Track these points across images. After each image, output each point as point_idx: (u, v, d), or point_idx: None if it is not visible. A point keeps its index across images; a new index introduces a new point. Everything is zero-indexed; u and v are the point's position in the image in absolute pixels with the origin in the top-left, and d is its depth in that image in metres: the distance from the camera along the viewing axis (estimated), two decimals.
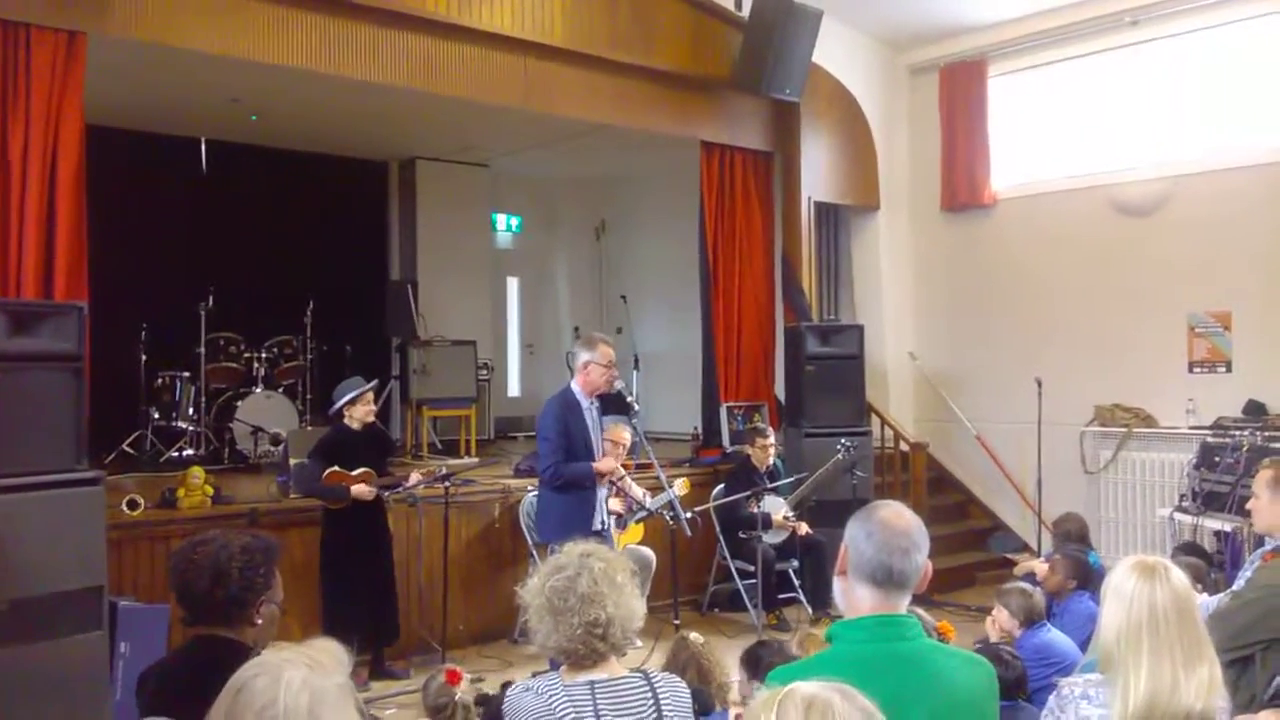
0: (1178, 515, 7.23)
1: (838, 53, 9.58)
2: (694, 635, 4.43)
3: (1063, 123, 9.43)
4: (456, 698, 4.19)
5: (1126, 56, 8.96)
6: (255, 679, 1.63)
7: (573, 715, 2.38)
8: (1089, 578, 5.36)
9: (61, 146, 5.92)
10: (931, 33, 9.88)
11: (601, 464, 5.92)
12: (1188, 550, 5.94)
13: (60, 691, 4.90)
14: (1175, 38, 8.66)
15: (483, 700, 3.67)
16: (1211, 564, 5.99)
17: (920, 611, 3.88)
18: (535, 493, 7.41)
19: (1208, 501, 6.99)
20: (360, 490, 6.24)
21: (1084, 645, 4.33)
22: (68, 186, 5.93)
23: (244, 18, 6.62)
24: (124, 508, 6.00)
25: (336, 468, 6.25)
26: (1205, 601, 3.72)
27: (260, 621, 2.77)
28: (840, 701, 1.54)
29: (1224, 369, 8.39)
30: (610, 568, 2.53)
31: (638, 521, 7.39)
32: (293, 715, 1.56)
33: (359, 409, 6.41)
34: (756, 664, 3.87)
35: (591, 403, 5.98)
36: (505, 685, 3.73)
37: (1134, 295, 8.78)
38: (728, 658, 4.33)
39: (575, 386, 5.93)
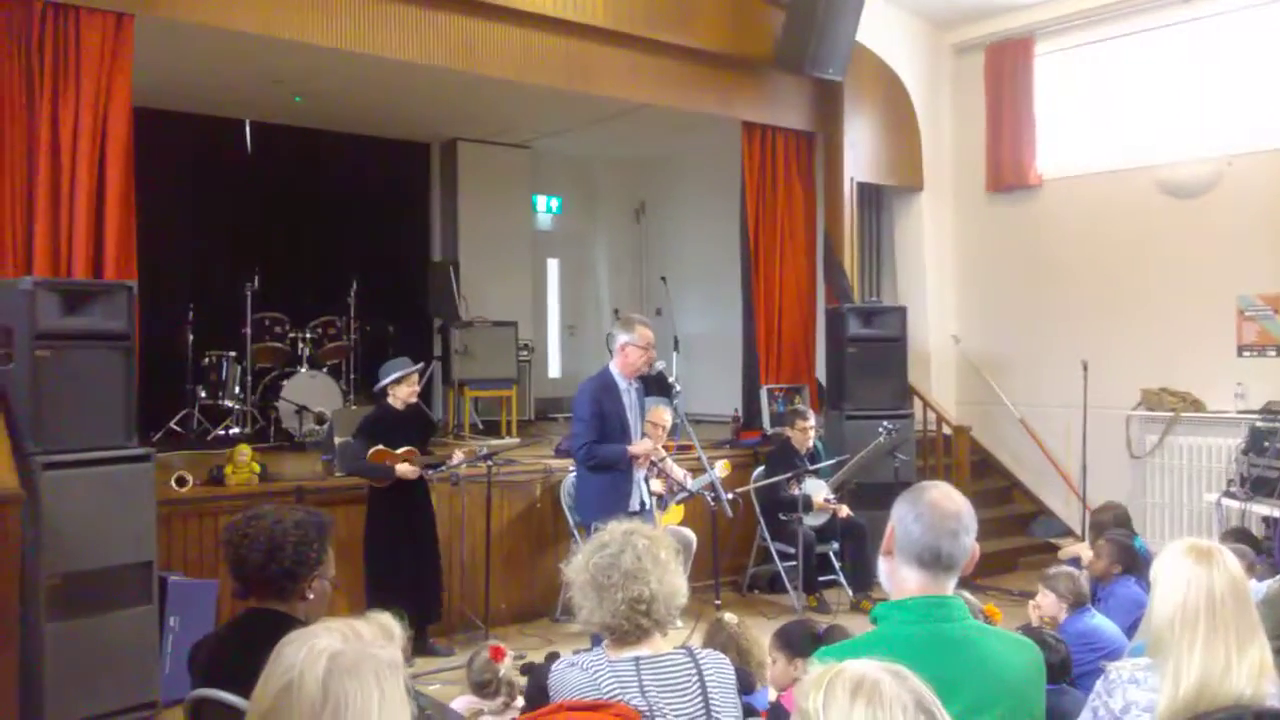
0: (1225, 501, 7.13)
1: (882, 31, 9.48)
2: (729, 616, 4.44)
3: (1110, 102, 9.27)
4: (501, 674, 4.24)
5: (1175, 34, 8.79)
6: (287, 645, 1.64)
7: (618, 690, 2.39)
8: (1135, 563, 5.30)
9: (110, 128, 6.00)
10: (977, 10, 9.75)
11: (636, 446, 5.93)
12: (1237, 536, 5.85)
13: (111, 664, 5.01)
14: (1226, 15, 8.48)
15: (528, 669, 3.71)
16: (1260, 550, 5.91)
17: (967, 594, 3.87)
18: (575, 473, 7.47)
19: (1256, 487, 6.89)
20: (404, 469, 6.29)
21: (1129, 631, 4.30)
22: (117, 168, 6.01)
23: None
24: (173, 484, 6.09)
25: (381, 446, 6.30)
26: (1256, 587, 3.68)
27: (312, 596, 2.79)
28: (890, 682, 1.52)
29: (1274, 352, 8.25)
30: (654, 545, 2.54)
31: (679, 502, 7.41)
32: (304, 683, 1.56)
33: (403, 389, 6.45)
34: (792, 641, 3.87)
35: (631, 384, 5.99)
36: (550, 656, 3.76)
37: (1182, 278, 8.65)
38: (766, 639, 4.34)
39: (614, 368, 5.97)
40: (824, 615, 7.19)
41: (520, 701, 4.17)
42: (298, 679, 1.57)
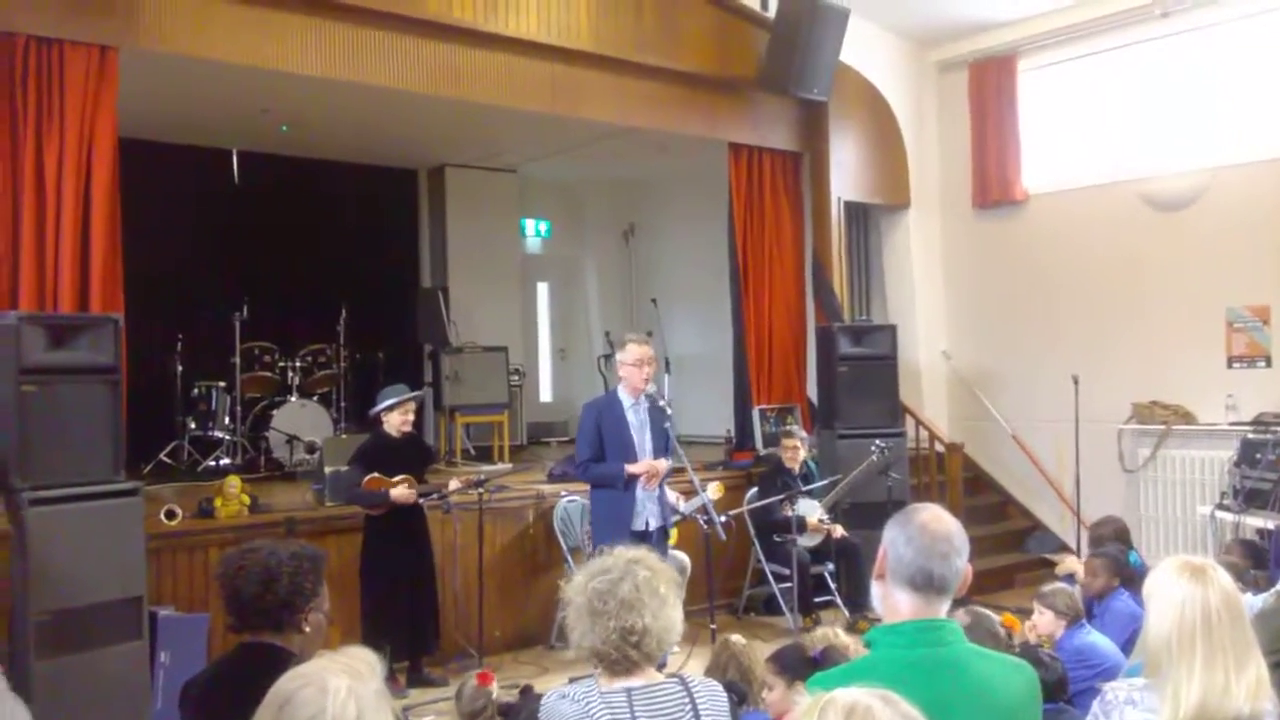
0: (1219, 513, 7.13)
1: (865, 51, 9.53)
2: (736, 637, 4.44)
3: (1094, 117, 9.32)
4: (494, 696, 4.19)
5: (1158, 49, 8.85)
6: (301, 690, 1.64)
7: None
8: (1130, 577, 5.29)
9: (96, 160, 6.00)
10: (960, 29, 9.81)
11: (634, 465, 5.91)
12: (1246, 548, 5.84)
13: (101, 701, 4.95)
14: (1206, 29, 8.55)
15: (505, 711, 3.65)
16: (1266, 564, 5.89)
17: (984, 611, 3.87)
18: (569, 498, 7.45)
19: (1249, 499, 6.88)
20: (401, 493, 6.21)
21: (1126, 645, 4.28)
22: (102, 200, 6.00)
23: (271, 29, 6.68)
24: (162, 518, 6.05)
25: (376, 474, 6.25)
26: (1250, 601, 3.66)
27: (308, 629, 2.80)
28: (882, 707, 1.52)
29: (1264, 364, 8.26)
30: (655, 577, 2.51)
31: (672, 525, 7.37)
32: None
33: (396, 416, 6.38)
34: (788, 665, 3.84)
35: (639, 402, 6.00)
36: (525, 691, 3.72)
37: (1170, 291, 8.67)
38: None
39: (620, 388, 6.07)
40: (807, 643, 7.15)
41: None
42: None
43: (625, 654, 2.44)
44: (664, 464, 6.10)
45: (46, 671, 4.79)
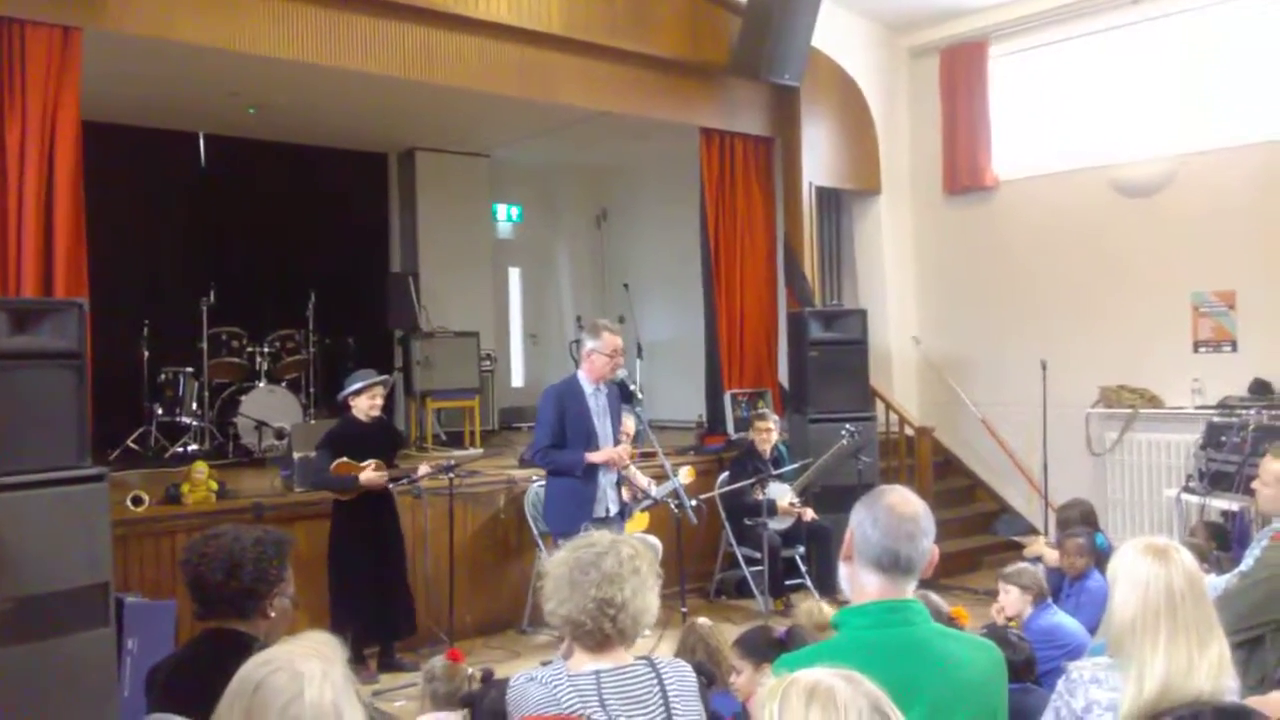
0: (1185, 496, 7.21)
1: (837, 36, 9.53)
2: (702, 620, 4.45)
3: (1064, 103, 9.37)
4: (467, 673, 4.17)
5: (1128, 36, 8.90)
6: (274, 674, 1.63)
7: (578, 705, 2.36)
8: (1098, 559, 5.35)
9: (59, 143, 5.90)
10: (931, 14, 9.82)
11: (596, 455, 5.89)
12: (1210, 530, 5.91)
13: (68, 688, 4.90)
14: (1176, 15, 8.60)
15: (468, 699, 3.63)
16: (1230, 546, 5.97)
17: (934, 597, 3.88)
18: (540, 483, 7.43)
19: (1215, 481, 6.96)
20: (370, 477, 6.16)
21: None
22: (66, 183, 5.91)
23: (240, 10, 6.60)
24: (129, 504, 6.00)
25: (345, 459, 6.21)
26: (1213, 582, 3.71)
27: (274, 614, 2.79)
28: (844, 687, 1.53)
29: (1229, 348, 8.35)
30: (638, 557, 2.53)
31: (643, 510, 7.38)
32: (318, 710, 1.56)
33: (363, 400, 6.33)
34: (754, 648, 3.86)
35: (600, 388, 5.97)
36: (486, 678, 3.70)
37: (1137, 276, 8.75)
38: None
39: (581, 374, 5.97)
40: (790, 619, 7.19)
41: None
42: (310, 708, 1.58)
43: (600, 625, 2.43)
44: (625, 450, 6.11)
45: (11, 658, 4.73)
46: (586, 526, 5.67)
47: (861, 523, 2.29)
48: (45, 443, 4.97)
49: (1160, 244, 8.62)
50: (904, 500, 2.30)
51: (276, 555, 2.83)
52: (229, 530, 2.88)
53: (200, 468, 6.57)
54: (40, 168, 5.84)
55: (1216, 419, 7.50)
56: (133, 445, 8.85)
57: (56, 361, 5.04)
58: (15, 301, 5.37)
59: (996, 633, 4.22)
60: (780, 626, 3.93)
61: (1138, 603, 2.43)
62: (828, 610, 4.11)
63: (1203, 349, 8.49)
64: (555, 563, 2.55)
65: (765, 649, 3.70)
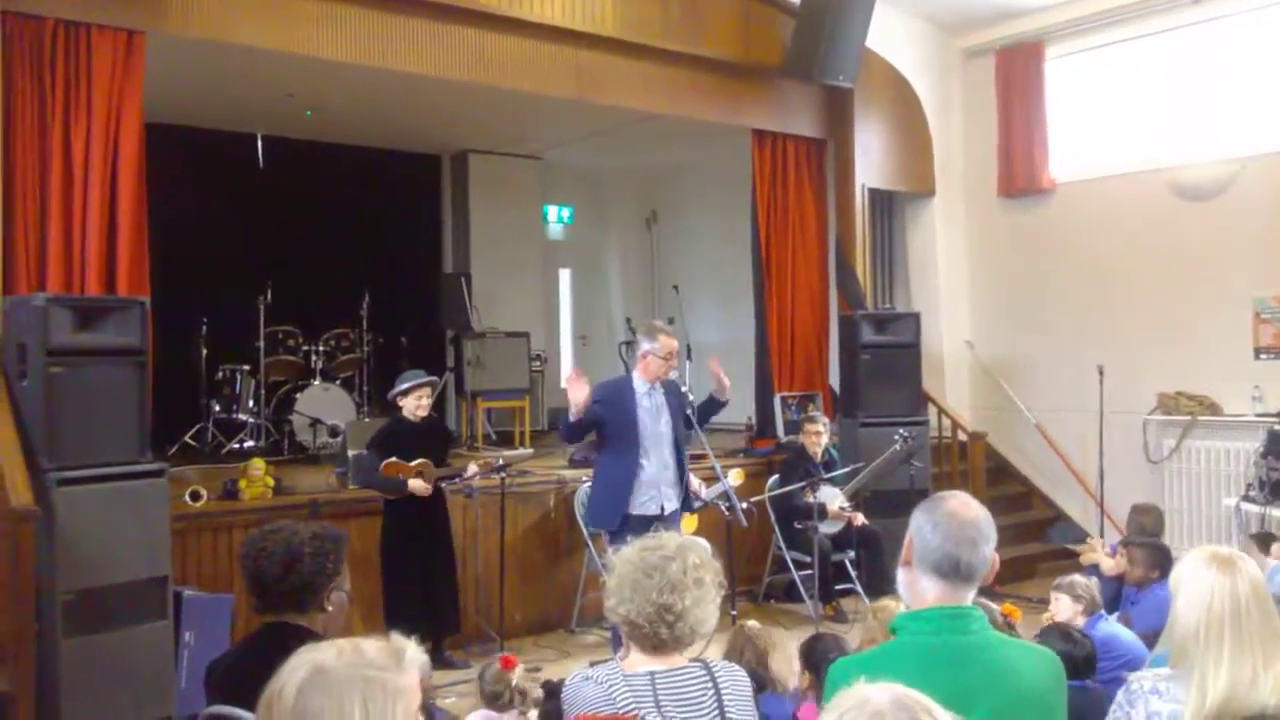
0: (1244, 505, 7.08)
1: (891, 37, 9.45)
2: (751, 623, 4.45)
3: (1123, 105, 9.23)
4: (513, 683, 4.22)
5: (1187, 36, 8.75)
6: (290, 659, 1.63)
7: (633, 705, 2.37)
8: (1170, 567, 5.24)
9: (122, 144, 6.02)
10: (987, 15, 9.72)
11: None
12: (1262, 539, 5.79)
13: (126, 680, 5.00)
14: (1236, 16, 8.44)
15: (550, 689, 3.68)
16: None
17: (984, 600, 3.83)
18: (588, 483, 7.45)
19: (1275, 490, 6.84)
20: (416, 485, 6.24)
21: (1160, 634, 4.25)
22: (129, 183, 6.03)
23: (297, 13, 6.68)
24: (187, 499, 6.09)
25: (394, 459, 6.27)
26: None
27: (330, 608, 2.83)
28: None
29: None
30: (703, 568, 2.52)
31: (693, 512, 7.37)
32: (283, 695, 1.56)
33: (409, 401, 6.39)
34: (810, 656, 3.85)
35: (654, 388, 5.96)
36: (551, 692, 3.75)
37: (1197, 281, 8.59)
38: (788, 644, 4.33)
39: (636, 374, 5.99)
40: (840, 624, 7.16)
41: (534, 714, 4.15)
42: (278, 691, 1.56)
43: (657, 630, 2.44)
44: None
45: (73, 650, 4.84)
46: (625, 518, 5.72)
47: (921, 527, 2.27)
48: (107, 438, 5.08)
49: (1220, 248, 8.46)
50: (965, 505, 2.28)
51: (333, 550, 2.87)
52: (286, 525, 2.93)
53: (257, 464, 6.66)
54: (104, 168, 5.95)
55: (1277, 427, 7.35)
56: (190, 441, 9.00)
57: (119, 358, 5.15)
58: (80, 299, 5.48)
59: (1058, 627, 4.17)
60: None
61: (1201, 613, 2.39)
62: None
63: (1264, 355, 8.32)
64: (621, 559, 2.55)
65: (822, 660, 3.69)
